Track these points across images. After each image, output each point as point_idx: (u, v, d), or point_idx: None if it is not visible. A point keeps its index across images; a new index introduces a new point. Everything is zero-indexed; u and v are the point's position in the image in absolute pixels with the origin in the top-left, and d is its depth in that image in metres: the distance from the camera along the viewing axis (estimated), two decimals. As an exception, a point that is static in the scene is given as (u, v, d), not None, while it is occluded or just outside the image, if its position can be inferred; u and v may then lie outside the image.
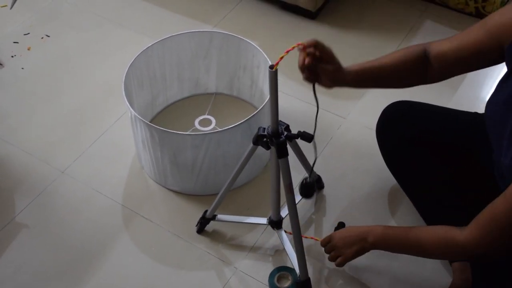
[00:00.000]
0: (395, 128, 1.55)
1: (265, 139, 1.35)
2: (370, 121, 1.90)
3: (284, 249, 1.58)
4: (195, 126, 1.90)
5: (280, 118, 1.34)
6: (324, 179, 1.76)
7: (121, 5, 2.39)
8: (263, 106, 1.66)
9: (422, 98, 1.73)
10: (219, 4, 2.38)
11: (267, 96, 1.70)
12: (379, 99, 2.01)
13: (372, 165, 1.81)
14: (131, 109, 1.66)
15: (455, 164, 1.49)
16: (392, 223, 1.69)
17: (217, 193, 1.79)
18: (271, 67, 1.19)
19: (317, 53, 1.21)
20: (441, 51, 1.28)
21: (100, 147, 1.90)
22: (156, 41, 1.84)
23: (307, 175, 1.30)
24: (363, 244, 1.35)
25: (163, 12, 2.35)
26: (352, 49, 2.20)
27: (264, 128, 1.35)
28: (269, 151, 1.40)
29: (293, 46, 1.18)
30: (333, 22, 2.29)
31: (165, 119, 1.96)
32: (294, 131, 1.37)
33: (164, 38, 1.84)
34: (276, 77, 1.22)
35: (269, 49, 1.91)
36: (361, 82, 1.31)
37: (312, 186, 1.37)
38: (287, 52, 1.18)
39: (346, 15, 2.32)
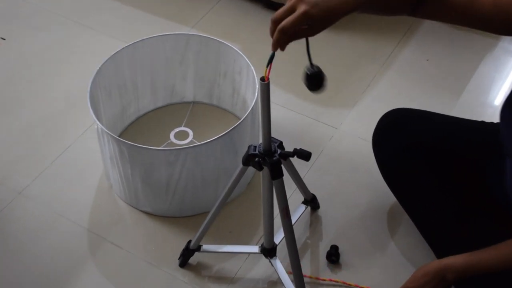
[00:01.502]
0: (393, 139, 1.55)
1: (256, 158, 1.33)
2: (365, 131, 1.90)
3: (280, 280, 1.54)
4: (170, 139, 1.88)
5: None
6: (317, 195, 1.75)
7: (87, 5, 2.37)
8: (246, 116, 1.64)
9: (421, 106, 1.72)
10: (197, 3, 2.37)
11: (250, 105, 1.68)
12: (375, 107, 2.02)
13: (368, 179, 1.80)
14: (97, 121, 1.63)
15: (459, 178, 1.48)
16: (392, 244, 1.68)
17: (195, 214, 1.76)
18: (262, 79, 1.16)
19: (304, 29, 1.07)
20: None
21: (62, 164, 1.86)
22: (126, 45, 1.82)
23: (306, 66, 1.15)
24: (443, 284, 1.26)
25: (134, 12, 2.34)
26: (344, 52, 2.20)
27: (255, 147, 1.34)
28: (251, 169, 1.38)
29: (271, 53, 1.12)
30: None
31: (136, 132, 1.94)
32: (287, 148, 1.36)
33: (135, 42, 1.83)
34: (269, 90, 1.20)
35: (252, 53, 1.90)
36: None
37: (319, 75, 1.14)
38: (270, 61, 1.13)
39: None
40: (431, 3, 1.15)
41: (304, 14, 1.06)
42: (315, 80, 1.14)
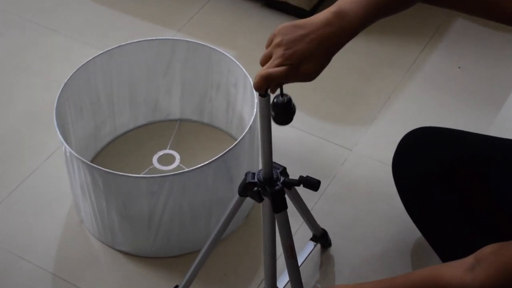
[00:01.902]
0: (417, 162, 1.55)
1: (256, 188, 1.33)
2: (384, 153, 1.90)
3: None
4: (153, 164, 1.89)
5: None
6: (328, 229, 1.75)
7: (53, 3, 2.37)
8: (243, 136, 1.65)
9: (452, 123, 1.72)
10: (184, 2, 2.38)
11: (248, 123, 1.69)
12: (396, 124, 2.03)
13: (388, 210, 1.81)
14: (65, 144, 1.64)
15: (497, 212, 1.49)
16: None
17: (183, 254, 1.76)
18: (262, 93, 1.17)
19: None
20: None
21: (23, 194, 1.87)
22: (100, 52, 1.83)
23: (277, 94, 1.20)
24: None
25: (109, 13, 2.35)
26: (360, 58, 2.22)
27: (254, 174, 1.34)
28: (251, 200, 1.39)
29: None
30: None
31: (112, 156, 1.94)
32: (292, 174, 1.36)
33: (111, 49, 1.84)
34: (269, 106, 1.20)
35: (250, 61, 1.90)
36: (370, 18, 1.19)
37: (287, 107, 1.17)
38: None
39: None
40: None
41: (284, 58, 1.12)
42: (281, 111, 1.17)
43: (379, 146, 1.97)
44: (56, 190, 1.87)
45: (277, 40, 1.15)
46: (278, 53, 1.14)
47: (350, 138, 2.00)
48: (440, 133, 1.58)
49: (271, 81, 1.14)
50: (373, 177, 1.90)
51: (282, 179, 1.33)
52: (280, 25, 1.16)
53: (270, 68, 1.14)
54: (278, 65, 1.13)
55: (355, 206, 1.84)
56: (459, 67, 2.19)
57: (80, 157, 1.61)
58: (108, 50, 1.84)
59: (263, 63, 1.16)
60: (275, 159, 1.33)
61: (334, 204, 1.84)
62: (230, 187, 1.69)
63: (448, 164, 1.52)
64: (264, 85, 1.15)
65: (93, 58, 1.82)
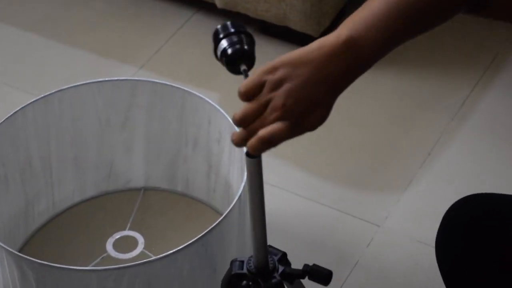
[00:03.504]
0: (470, 243, 1.54)
1: (245, 281, 1.33)
2: (423, 230, 1.91)
3: None
4: (107, 252, 1.88)
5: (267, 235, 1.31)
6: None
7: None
8: (231, 209, 1.65)
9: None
10: (148, 29, 2.41)
11: (236, 192, 1.68)
12: (438, 190, 2.03)
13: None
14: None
15: None
16: None
17: None
18: (250, 153, 1.16)
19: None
20: None
21: None
22: (34, 99, 1.83)
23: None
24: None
25: (47, 45, 2.38)
26: (391, 99, 2.23)
27: (242, 262, 1.34)
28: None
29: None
30: None
31: (50, 241, 1.94)
32: (297, 261, 1.35)
33: (50, 94, 1.84)
34: (261, 170, 1.21)
35: (238, 107, 1.91)
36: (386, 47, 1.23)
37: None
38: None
39: None
40: None
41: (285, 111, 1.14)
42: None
43: (416, 220, 1.97)
44: (-27, 290, 1.86)
45: (275, 77, 1.17)
46: (277, 102, 1.16)
47: (377, 209, 2.00)
48: (500, 203, 1.57)
49: (273, 145, 1.15)
50: (410, 261, 1.89)
51: (281, 269, 1.32)
52: (283, 57, 1.18)
53: (269, 126, 1.14)
54: (276, 119, 1.15)
55: (387, 302, 1.85)
56: (525, 110, 2.21)
57: (3, 245, 1.60)
58: (45, 96, 1.84)
59: (247, 96, 1.17)
60: (273, 241, 1.33)
61: (358, 300, 1.85)
62: (211, 280, 1.68)
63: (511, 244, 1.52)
64: (264, 150, 1.15)
65: (22, 107, 1.81)
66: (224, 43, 1.20)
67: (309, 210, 2.00)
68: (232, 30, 1.21)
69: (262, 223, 1.27)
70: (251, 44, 1.21)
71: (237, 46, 1.20)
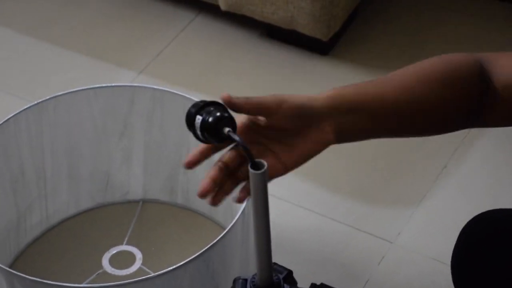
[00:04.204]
0: (488, 262, 1.54)
1: None
2: (438, 247, 1.91)
3: None
4: (102, 268, 1.88)
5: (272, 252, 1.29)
6: None
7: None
8: (235, 223, 1.64)
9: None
10: (149, 30, 2.41)
11: (240, 206, 1.68)
12: (454, 205, 2.02)
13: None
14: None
15: None
16: None
17: None
18: (255, 165, 1.16)
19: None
20: None
21: None
22: (27, 106, 1.83)
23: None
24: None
25: (42, 48, 2.38)
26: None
27: (246, 281, 1.32)
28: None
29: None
30: (362, 60, 2.31)
31: (43, 256, 1.94)
32: (302, 279, 1.34)
33: (44, 100, 1.84)
34: (266, 184, 1.19)
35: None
36: (360, 132, 1.33)
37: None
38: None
39: (386, 46, 2.36)
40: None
41: None
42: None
43: (431, 237, 1.96)
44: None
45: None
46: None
47: (389, 225, 2.00)
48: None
49: None
50: (424, 280, 1.89)
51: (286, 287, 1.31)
52: (289, 102, 1.23)
53: None
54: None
55: (399, 325, 1.84)
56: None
57: (-7, 260, 1.60)
58: (38, 102, 1.84)
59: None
60: (279, 258, 1.31)
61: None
62: (214, 300, 1.67)
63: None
64: None
65: (15, 114, 1.82)
66: (199, 117, 1.23)
67: (317, 224, 2.00)
68: (201, 104, 1.23)
69: (267, 239, 1.26)
70: (226, 110, 1.23)
71: (216, 114, 1.22)
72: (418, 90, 1.30)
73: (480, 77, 1.31)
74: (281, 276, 1.30)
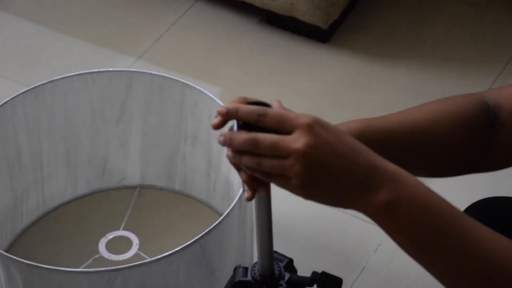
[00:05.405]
0: None
1: None
2: None
3: None
4: (99, 252, 1.88)
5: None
6: None
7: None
8: (231, 209, 1.64)
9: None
10: (147, 16, 2.41)
11: (237, 191, 1.68)
12: (449, 193, 1.99)
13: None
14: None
15: None
16: None
17: None
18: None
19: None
20: None
21: None
22: (23, 90, 1.83)
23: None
24: (366, 193, 1.13)
25: (39, 32, 2.38)
26: (402, 95, 2.23)
27: (246, 269, 1.33)
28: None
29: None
30: (361, 48, 2.32)
31: (39, 241, 1.94)
32: (302, 267, 1.36)
33: (41, 85, 1.84)
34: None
35: (240, 100, 1.92)
36: None
37: None
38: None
39: (386, 33, 2.36)
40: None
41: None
42: None
43: None
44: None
45: (303, 143, 1.04)
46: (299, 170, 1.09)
47: None
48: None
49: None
50: (419, 267, 1.83)
51: (287, 276, 1.32)
52: (320, 123, 1.05)
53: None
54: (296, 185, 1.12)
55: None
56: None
57: (-11, 244, 1.62)
58: (35, 86, 1.84)
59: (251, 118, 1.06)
60: (279, 246, 1.33)
61: (364, 310, 1.85)
62: (210, 285, 1.68)
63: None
64: None
65: (12, 98, 1.82)
66: None
67: (313, 212, 1.98)
68: None
69: (268, 228, 1.27)
70: None
71: None
72: (420, 124, 1.30)
73: (486, 111, 1.31)
74: (282, 265, 1.31)
